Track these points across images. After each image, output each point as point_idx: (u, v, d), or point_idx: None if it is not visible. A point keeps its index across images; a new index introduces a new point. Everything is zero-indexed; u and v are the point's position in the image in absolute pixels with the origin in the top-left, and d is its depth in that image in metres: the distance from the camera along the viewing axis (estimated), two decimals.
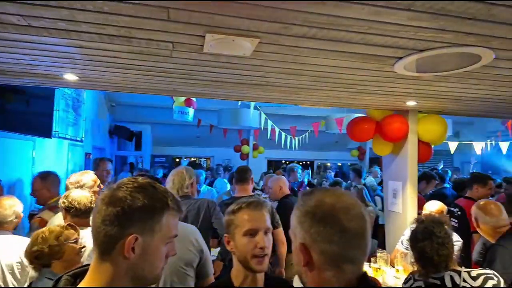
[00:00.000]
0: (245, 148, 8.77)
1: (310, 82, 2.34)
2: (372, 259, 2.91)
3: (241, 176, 3.13)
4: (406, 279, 1.94)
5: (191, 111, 5.73)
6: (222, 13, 1.32)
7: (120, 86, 2.68)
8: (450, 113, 3.64)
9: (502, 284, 1.73)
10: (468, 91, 2.50)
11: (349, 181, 5.96)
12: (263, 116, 6.00)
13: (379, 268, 2.80)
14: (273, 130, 6.39)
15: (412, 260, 1.92)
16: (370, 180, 6.41)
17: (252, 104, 4.94)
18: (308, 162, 12.88)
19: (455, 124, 10.21)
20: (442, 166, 8.25)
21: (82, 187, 2.38)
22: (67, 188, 2.42)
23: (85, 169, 4.52)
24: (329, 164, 12.51)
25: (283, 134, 6.44)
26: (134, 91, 2.85)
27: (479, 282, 1.74)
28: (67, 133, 5.04)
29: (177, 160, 11.48)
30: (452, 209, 3.38)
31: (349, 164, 10.66)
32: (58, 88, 4.22)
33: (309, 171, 8.68)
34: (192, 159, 11.63)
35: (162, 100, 6.50)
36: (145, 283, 0.87)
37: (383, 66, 1.94)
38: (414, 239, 1.85)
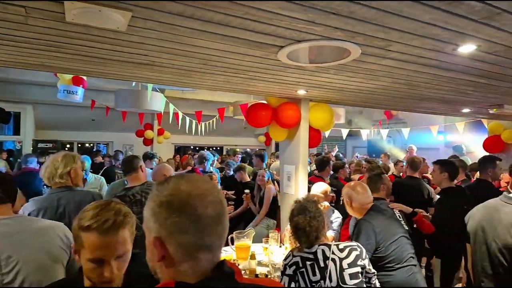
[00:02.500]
0: (149, 133, 8.30)
1: (200, 65, 2.26)
2: (264, 239, 3.06)
3: (127, 167, 2.83)
4: (286, 256, 2.08)
5: (80, 90, 5.09)
6: None
7: None
8: (337, 103, 3.99)
9: (364, 254, 2.00)
10: (346, 83, 2.76)
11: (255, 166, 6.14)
12: (164, 99, 5.69)
13: (269, 247, 2.95)
14: (176, 114, 6.14)
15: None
16: (277, 164, 6.69)
17: (150, 85, 4.62)
18: (218, 148, 12.96)
19: (348, 113, 11.45)
20: (337, 150, 9.18)
21: None
22: None
23: None
24: (238, 150, 12.77)
25: (188, 118, 6.24)
26: None
27: (345, 253, 1.98)
28: None
29: (68, 146, 10.23)
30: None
31: (257, 149, 11.05)
32: None
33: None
34: (87, 144, 10.50)
35: (46, 77, 5.62)
36: None
37: (268, 54, 1.98)
38: (291, 215, 2.09)
